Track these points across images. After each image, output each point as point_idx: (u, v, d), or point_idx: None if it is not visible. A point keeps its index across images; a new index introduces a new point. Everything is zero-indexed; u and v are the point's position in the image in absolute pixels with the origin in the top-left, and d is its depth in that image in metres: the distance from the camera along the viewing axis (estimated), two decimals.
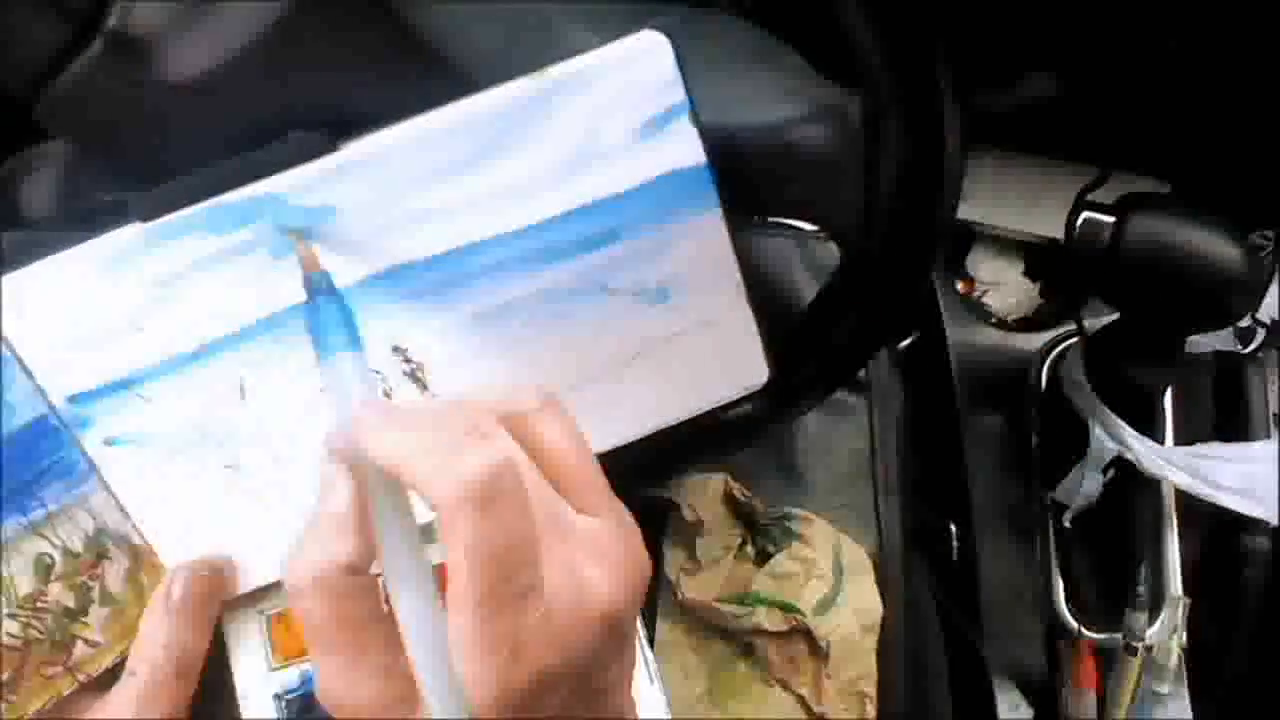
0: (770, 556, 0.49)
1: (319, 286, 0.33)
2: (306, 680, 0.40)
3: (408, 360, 0.37)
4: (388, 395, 0.37)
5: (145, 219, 0.34)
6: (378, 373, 0.37)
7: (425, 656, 0.28)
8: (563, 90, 0.34)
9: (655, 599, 0.50)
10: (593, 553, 0.30)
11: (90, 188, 0.38)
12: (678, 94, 0.35)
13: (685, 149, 0.35)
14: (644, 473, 0.45)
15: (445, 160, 0.34)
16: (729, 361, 0.39)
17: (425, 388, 0.37)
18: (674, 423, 0.40)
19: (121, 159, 0.36)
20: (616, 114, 0.34)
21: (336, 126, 0.35)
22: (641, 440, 0.40)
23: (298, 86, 0.35)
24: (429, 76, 0.35)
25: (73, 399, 0.35)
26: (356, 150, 0.34)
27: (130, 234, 0.34)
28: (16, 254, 0.34)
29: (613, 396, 0.39)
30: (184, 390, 0.36)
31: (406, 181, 0.34)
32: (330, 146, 0.34)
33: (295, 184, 0.34)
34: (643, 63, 0.34)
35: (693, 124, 0.35)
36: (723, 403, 0.40)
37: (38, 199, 0.39)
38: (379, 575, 0.29)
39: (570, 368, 0.38)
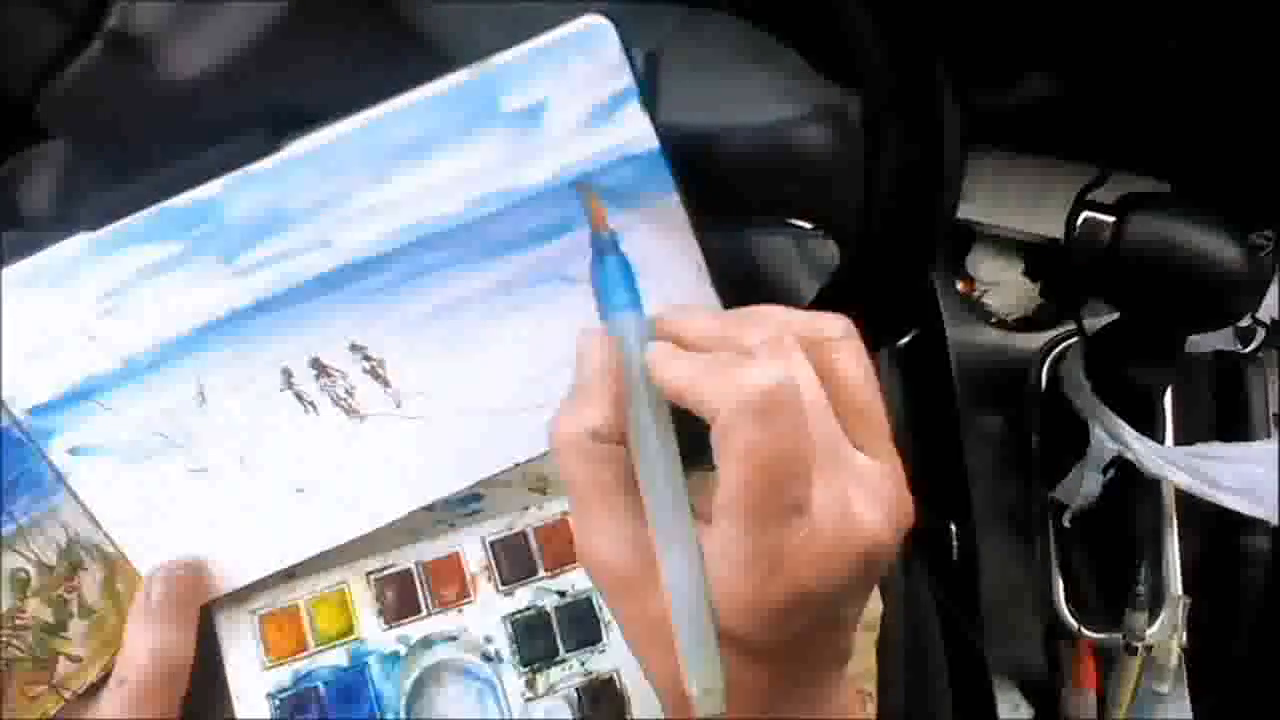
0: None
1: (606, 246, 0.34)
2: (299, 679, 0.40)
3: (367, 358, 0.37)
4: (349, 394, 0.37)
5: (91, 228, 0.34)
6: (339, 371, 0.37)
7: (675, 568, 0.29)
8: (507, 77, 0.34)
9: None
10: (865, 489, 0.30)
11: (90, 188, 0.38)
12: (625, 78, 0.34)
13: (637, 134, 0.35)
14: None
15: (392, 153, 0.34)
16: None
17: (388, 384, 0.37)
18: None
19: (121, 159, 0.36)
20: (564, 100, 0.34)
21: None
22: None
23: (298, 87, 0.35)
24: (431, 77, 0.35)
25: (34, 410, 0.35)
26: (300, 147, 0.34)
27: (75, 245, 0.34)
28: (16, 255, 0.34)
29: None
30: (143, 397, 0.36)
31: (353, 176, 0.34)
32: (272, 145, 0.34)
33: (239, 185, 0.34)
34: (587, 47, 0.34)
35: (644, 109, 0.34)
36: None
37: (38, 199, 0.39)
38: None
39: (535, 358, 0.38)
